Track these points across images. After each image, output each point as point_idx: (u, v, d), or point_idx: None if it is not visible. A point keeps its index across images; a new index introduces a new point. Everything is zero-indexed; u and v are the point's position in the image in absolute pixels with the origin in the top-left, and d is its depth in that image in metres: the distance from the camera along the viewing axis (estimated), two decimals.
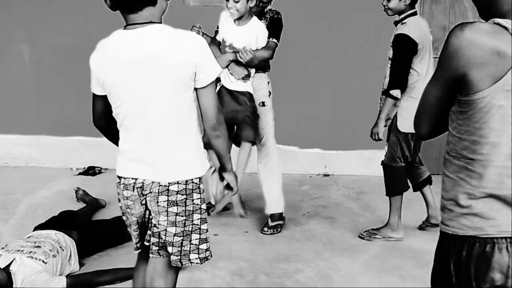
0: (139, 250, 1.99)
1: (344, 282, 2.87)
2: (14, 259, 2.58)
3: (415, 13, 3.17)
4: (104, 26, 4.70)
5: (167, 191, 1.77)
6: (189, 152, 1.81)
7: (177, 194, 1.78)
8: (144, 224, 1.92)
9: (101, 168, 4.81)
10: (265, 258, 3.12)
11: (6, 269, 2.53)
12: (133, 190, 1.82)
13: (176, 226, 1.80)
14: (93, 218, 3.62)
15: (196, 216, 1.83)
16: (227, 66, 3.26)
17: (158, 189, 1.78)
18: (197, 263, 1.86)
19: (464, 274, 1.30)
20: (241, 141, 3.37)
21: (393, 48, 3.15)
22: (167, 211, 1.78)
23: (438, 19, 4.63)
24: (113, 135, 1.92)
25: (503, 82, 1.19)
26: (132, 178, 1.82)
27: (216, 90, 2.91)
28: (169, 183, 1.77)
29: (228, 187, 2.05)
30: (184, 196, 1.79)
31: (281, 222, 3.56)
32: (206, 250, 1.87)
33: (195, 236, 1.83)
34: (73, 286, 2.63)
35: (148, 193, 1.80)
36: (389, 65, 3.20)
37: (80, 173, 4.74)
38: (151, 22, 1.73)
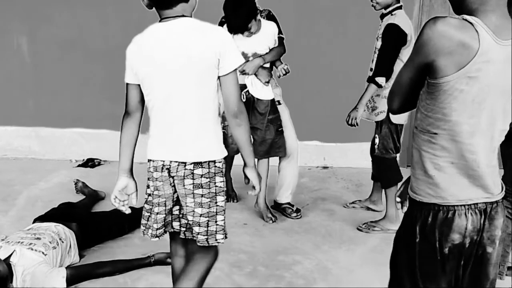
0: (157, 238, 2.03)
1: (342, 274, 2.89)
2: (14, 250, 2.59)
3: (400, 7, 3.23)
4: (103, 18, 4.73)
5: (192, 175, 1.91)
6: (211, 137, 1.94)
7: (201, 177, 1.91)
8: (170, 209, 2.00)
9: (100, 160, 4.81)
10: (264, 250, 3.14)
11: (7, 260, 2.54)
12: (162, 171, 1.94)
13: (202, 207, 1.93)
14: (92, 210, 3.63)
15: (220, 198, 1.96)
16: (255, 72, 3.40)
17: (184, 173, 1.91)
18: (222, 242, 2.00)
19: (429, 236, 1.50)
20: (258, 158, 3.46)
21: (384, 37, 3.19)
22: (193, 193, 1.92)
23: (437, 11, 4.62)
24: (130, 127, 2.03)
25: (466, 70, 1.38)
26: (161, 160, 1.94)
27: (244, 100, 3.15)
28: (193, 166, 1.90)
29: (248, 182, 2.04)
30: (208, 179, 1.92)
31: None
32: (220, 228, 1.98)
33: (220, 218, 1.97)
34: (73, 278, 2.65)
35: (175, 176, 1.93)
36: (375, 57, 3.26)
37: (79, 165, 4.75)
38: (183, 16, 1.88)
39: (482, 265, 1.53)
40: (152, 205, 2.01)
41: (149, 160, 2.00)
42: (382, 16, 3.27)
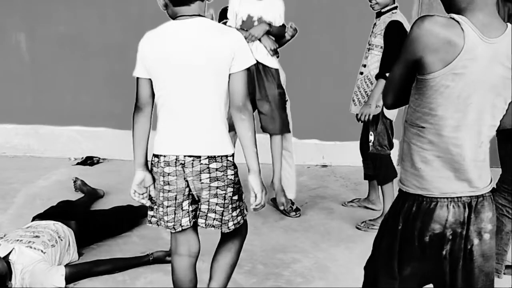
0: (170, 229, 2.06)
1: (341, 272, 2.89)
2: (13, 248, 2.59)
3: (396, 7, 3.29)
4: (102, 15, 4.72)
5: (208, 169, 1.97)
6: (222, 132, 2.00)
7: (216, 171, 1.98)
8: (180, 203, 2.03)
9: (99, 158, 4.80)
10: (263, 248, 3.14)
11: (5, 258, 2.54)
12: (176, 166, 1.97)
13: (217, 197, 2.01)
14: (91, 208, 3.63)
15: (229, 190, 2.03)
16: (261, 36, 3.36)
17: (200, 167, 1.96)
18: (233, 229, 2.09)
19: (411, 225, 1.58)
20: (270, 135, 3.42)
21: (387, 34, 3.21)
22: (209, 186, 1.99)
23: (437, 10, 4.62)
24: (143, 123, 2.02)
25: (451, 67, 1.43)
26: (173, 155, 1.97)
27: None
28: (208, 160, 1.96)
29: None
30: (222, 173, 1.99)
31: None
32: (237, 216, 2.09)
33: (231, 207, 2.06)
34: (72, 276, 2.65)
35: (191, 171, 1.97)
36: (374, 53, 3.28)
37: (78, 163, 4.74)
38: (199, 15, 1.93)
39: (473, 259, 1.56)
40: (159, 199, 2.04)
41: (156, 155, 2.02)
42: (379, 15, 3.30)
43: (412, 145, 1.57)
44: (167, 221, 2.05)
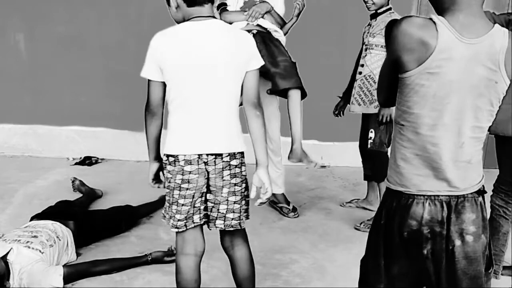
0: (176, 229, 2.08)
1: (339, 273, 2.89)
2: (11, 248, 2.59)
3: (391, 9, 3.31)
4: (101, 15, 4.72)
5: (229, 166, 2.05)
6: (238, 129, 2.09)
7: (235, 167, 2.07)
8: (194, 202, 2.05)
9: (98, 158, 4.80)
10: (261, 249, 3.14)
11: (4, 258, 2.54)
12: (198, 164, 2.01)
13: (235, 195, 2.08)
14: (89, 208, 3.63)
15: (244, 185, 2.12)
16: (264, 13, 3.31)
17: (222, 165, 2.03)
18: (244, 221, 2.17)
19: (391, 220, 1.61)
20: (287, 92, 3.19)
21: (389, 33, 3.21)
22: (229, 183, 2.06)
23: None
24: (158, 124, 2.06)
25: (425, 66, 1.46)
26: (195, 154, 2.00)
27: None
28: (230, 158, 2.04)
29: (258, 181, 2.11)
30: (240, 169, 2.09)
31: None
32: (247, 209, 2.17)
33: (244, 202, 2.14)
34: (70, 276, 2.65)
35: (214, 168, 2.02)
36: (374, 52, 3.30)
37: (76, 163, 4.74)
38: (213, 17, 2.00)
39: (455, 260, 1.55)
40: (173, 197, 2.05)
41: (170, 156, 2.03)
42: (375, 16, 3.33)
43: (395, 142, 1.61)
44: (179, 220, 2.06)
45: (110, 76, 4.76)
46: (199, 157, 2.00)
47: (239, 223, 2.13)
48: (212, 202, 2.09)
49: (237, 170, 2.07)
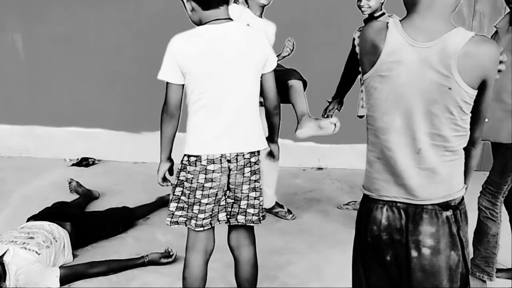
0: (202, 228, 2.11)
1: (336, 275, 2.90)
2: (7, 250, 2.58)
3: (384, 13, 3.32)
4: (98, 15, 4.71)
5: (249, 163, 2.11)
6: (260, 127, 2.16)
7: (255, 164, 2.14)
8: (219, 200, 2.11)
9: (95, 159, 4.80)
10: (258, 251, 3.11)
11: (0, 259, 2.53)
12: (221, 163, 2.05)
13: (255, 191, 2.16)
14: (86, 209, 3.62)
15: (260, 181, 2.19)
16: None
17: (244, 162, 2.09)
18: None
19: (359, 224, 1.62)
20: (288, 83, 3.19)
21: None
22: (249, 179, 2.12)
23: None
24: (175, 125, 2.08)
25: (376, 69, 1.48)
26: (219, 154, 2.04)
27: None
28: (250, 155, 2.10)
29: (270, 154, 2.42)
30: (258, 166, 2.16)
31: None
32: (263, 206, 2.24)
33: (261, 197, 2.21)
34: (67, 277, 2.65)
35: (235, 166, 2.07)
36: None
37: (73, 164, 4.73)
38: (230, 19, 2.03)
39: (411, 270, 1.50)
40: (195, 198, 2.06)
41: (192, 156, 2.04)
42: (370, 19, 3.30)
43: (367, 146, 1.62)
44: (204, 218, 2.08)
45: (108, 77, 4.76)
46: (222, 156, 2.04)
47: (259, 218, 2.19)
48: (231, 199, 2.13)
49: (256, 167, 2.14)
